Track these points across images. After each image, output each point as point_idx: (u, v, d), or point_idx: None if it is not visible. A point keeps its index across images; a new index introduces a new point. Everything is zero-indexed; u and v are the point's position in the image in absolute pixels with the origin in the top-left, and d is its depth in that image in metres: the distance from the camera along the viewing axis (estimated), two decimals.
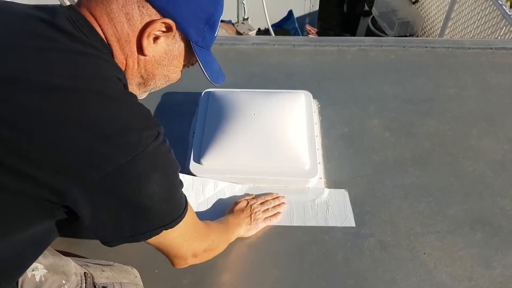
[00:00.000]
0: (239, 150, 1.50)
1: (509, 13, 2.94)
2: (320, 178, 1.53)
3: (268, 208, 1.41)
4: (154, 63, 0.95)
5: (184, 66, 1.02)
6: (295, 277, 1.28)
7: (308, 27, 4.75)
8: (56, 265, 1.02)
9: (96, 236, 0.84)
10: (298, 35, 4.45)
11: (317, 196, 1.47)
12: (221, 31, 3.88)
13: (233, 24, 4.12)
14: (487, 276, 1.28)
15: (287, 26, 4.56)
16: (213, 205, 1.46)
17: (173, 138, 1.68)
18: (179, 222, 0.91)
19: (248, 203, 1.41)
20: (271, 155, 1.50)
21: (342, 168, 1.58)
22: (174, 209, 0.90)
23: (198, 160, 1.51)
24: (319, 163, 1.56)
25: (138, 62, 0.93)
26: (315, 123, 1.71)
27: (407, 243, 1.36)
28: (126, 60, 0.91)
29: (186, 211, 0.92)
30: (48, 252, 1.04)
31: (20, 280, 0.94)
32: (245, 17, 4.16)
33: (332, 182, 1.53)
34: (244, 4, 4.05)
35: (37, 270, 0.98)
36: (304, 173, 1.49)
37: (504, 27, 2.96)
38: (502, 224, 1.41)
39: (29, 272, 0.96)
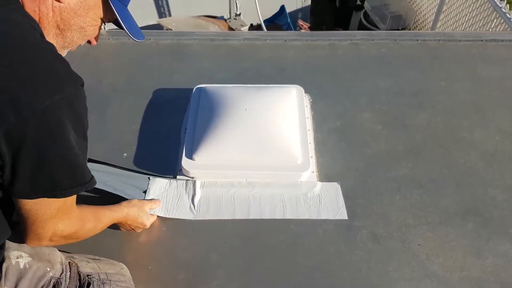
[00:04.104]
0: (231, 145, 1.50)
1: (500, 5, 2.95)
2: (313, 171, 1.53)
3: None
4: (70, 12, 0.95)
5: (102, 21, 1.02)
6: (289, 270, 1.29)
7: (300, 22, 4.74)
8: (41, 253, 1.04)
9: (16, 187, 0.83)
10: (291, 30, 4.44)
11: (310, 190, 1.48)
12: (213, 27, 3.87)
13: (225, 20, 4.10)
14: (478, 265, 1.29)
15: (279, 21, 4.54)
16: (209, 203, 1.46)
17: (165, 134, 1.69)
18: (94, 185, 0.92)
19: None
20: (263, 149, 1.50)
21: (334, 162, 1.59)
22: (86, 168, 0.91)
23: (190, 156, 1.51)
24: (311, 157, 1.56)
25: (53, 9, 0.93)
26: (307, 117, 1.72)
27: (399, 234, 1.37)
28: (39, 8, 0.91)
29: (94, 179, 0.93)
30: None
31: (4, 267, 0.96)
32: (237, 12, 4.14)
33: (325, 176, 1.54)
34: None
35: (21, 257, 0.99)
36: (296, 167, 1.50)
37: (495, 19, 2.97)
38: (493, 214, 1.42)
39: (13, 260, 0.97)
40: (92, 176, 0.93)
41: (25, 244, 1.01)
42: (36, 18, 0.92)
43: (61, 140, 0.81)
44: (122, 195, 1.41)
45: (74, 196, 0.95)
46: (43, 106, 0.77)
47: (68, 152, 0.83)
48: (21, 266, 0.98)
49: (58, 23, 0.95)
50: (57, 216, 0.93)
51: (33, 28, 0.88)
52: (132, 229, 1.33)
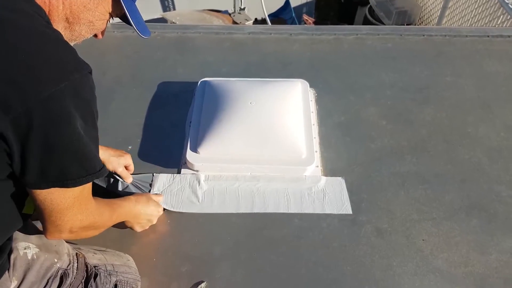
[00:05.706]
0: (235, 139, 1.50)
1: (507, 1, 2.92)
2: (317, 166, 1.53)
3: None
4: (80, 5, 0.94)
5: (110, 15, 1.02)
6: (293, 264, 1.29)
7: (305, 17, 4.72)
8: (49, 244, 1.04)
9: (26, 177, 0.83)
10: (295, 25, 4.42)
11: (314, 184, 1.48)
12: (218, 21, 3.86)
13: (229, 14, 4.08)
14: (482, 261, 1.29)
15: (284, 16, 4.52)
16: (213, 196, 1.46)
17: (170, 127, 1.69)
18: (105, 174, 0.91)
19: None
20: (268, 143, 1.50)
21: (339, 156, 1.59)
22: (96, 157, 0.90)
23: (195, 149, 1.51)
24: (315, 151, 1.56)
25: (63, 2, 0.93)
26: (312, 112, 1.71)
27: (403, 229, 1.37)
28: (49, 0, 0.91)
29: (105, 169, 0.92)
30: (42, 234, 1.05)
31: (12, 257, 0.96)
32: (242, 7, 4.13)
33: (329, 170, 1.53)
34: None
35: (29, 248, 0.99)
36: (301, 162, 1.49)
37: (502, 16, 2.95)
38: (497, 210, 1.42)
39: (21, 251, 0.98)
40: (103, 166, 0.92)
41: (32, 235, 1.01)
42: (46, 10, 0.91)
43: (68, 128, 0.81)
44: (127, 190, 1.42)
45: (90, 186, 0.95)
46: (48, 93, 0.77)
47: (75, 140, 0.83)
48: (29, 257, 0.98)
49: (67, 16, 0.94)
50: (75, 206, 0.92)
51: (40, 16, 0.87)
52: (147, 222, 1.31)
